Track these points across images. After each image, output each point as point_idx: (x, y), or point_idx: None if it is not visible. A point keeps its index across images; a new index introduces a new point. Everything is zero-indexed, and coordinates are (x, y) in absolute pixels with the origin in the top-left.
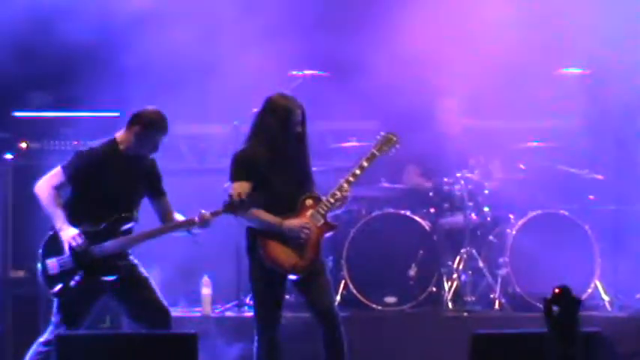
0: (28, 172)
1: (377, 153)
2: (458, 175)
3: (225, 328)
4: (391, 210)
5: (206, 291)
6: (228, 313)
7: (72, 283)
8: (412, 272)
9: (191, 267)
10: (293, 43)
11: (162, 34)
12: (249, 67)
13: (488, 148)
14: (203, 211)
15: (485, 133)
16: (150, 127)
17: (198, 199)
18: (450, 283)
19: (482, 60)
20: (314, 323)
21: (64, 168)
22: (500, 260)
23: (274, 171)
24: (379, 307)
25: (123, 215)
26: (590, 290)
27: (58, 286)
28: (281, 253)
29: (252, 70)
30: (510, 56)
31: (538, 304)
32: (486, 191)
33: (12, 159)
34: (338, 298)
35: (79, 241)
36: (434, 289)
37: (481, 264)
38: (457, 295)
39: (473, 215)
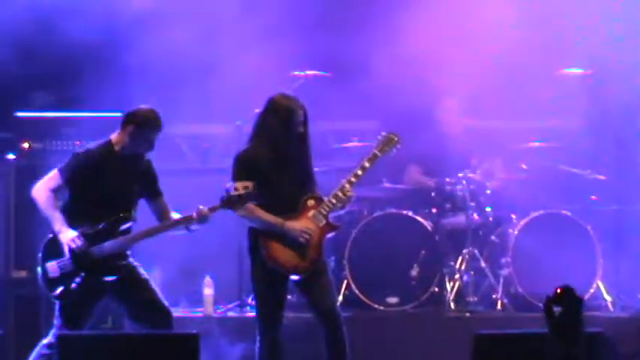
0: (30, 172)
1: (378, 153)
2: (460, 175)
3: (227, 328)
4: (393, 210)
5: (208, 291)
6: (230, 314)
7: (73, 285)
8: (414, 272)
9: (193, 267)
10: (295, 43)
11: (164, 35)
12: (251, 68)
13: (489, 148)
14: (201, 207)
15: (487, 133)
16: (144, 125)
17: (201, 200)
18: (452, 283)
19: (483, 60)
20: (316, 323)
21: (60, 170)
22: (503, 260)
23: (276, 171)
24: (381, 308)
25: (121, 215)
26: (592, 290)
27: (59, 289)
28: (283, 253)
29: (255, 70)
30: (511, 56)
31: (540, 304)
32: (488, 191)
33: (14, 159)
34: (340, 298)
35: (78, 243)
36: (436, 289)
37: (483, 264)
38: (459, 296)
39: (475, 215)
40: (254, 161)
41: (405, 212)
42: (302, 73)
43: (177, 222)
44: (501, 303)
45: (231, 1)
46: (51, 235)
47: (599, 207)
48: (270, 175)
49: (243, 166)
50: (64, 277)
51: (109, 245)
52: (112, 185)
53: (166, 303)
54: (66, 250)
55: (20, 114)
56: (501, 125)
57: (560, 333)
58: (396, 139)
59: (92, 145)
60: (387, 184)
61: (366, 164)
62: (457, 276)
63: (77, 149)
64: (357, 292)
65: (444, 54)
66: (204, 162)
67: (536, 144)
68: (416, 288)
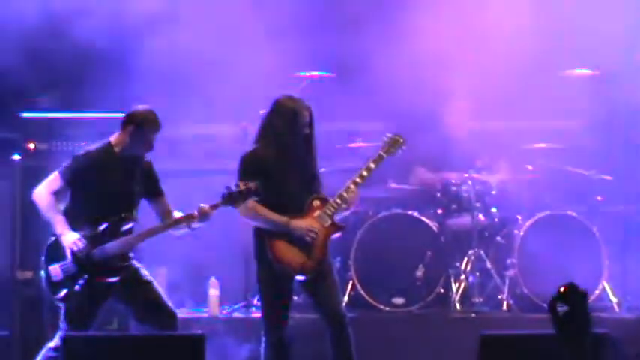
0: (35, 173)
1: (384, 155)
2: (465, 175)
3: (233, 329)
4: (399, 211)
5: (213, 292)
6: (236, 314)
7: (76, 287)
8: (420, 273)
9: (199, 268)
10: (300, 43)
11: (170, 36)
12: (256, 68)
13: (495, 149)
14: (202, 204)
15: (493, 134)
16: (143, 125)
17: (206, 200)
18: (457, 284)
19: (489, 61)
20: (322, 324)
21: (61, 173)
22: (508, 261)
23: (282, 172)
24: (387, 308)
25: (122, 216)
26: (597, 292)
27: (63, 292)
28: (289, 253)
29: (260, 71)
30: (518, 57)
31: (545, 304)
32: (494, 192)
33: (20, 160)
34: (345, 298)
35: (80, 245)
36: (441, 289)
37: (489, 265)
38: (465, 296)
39: (480, 216)
40: (260, 162)
41: (410, 213)
42: (307, 74)
43: (179, 221)
44: (507, 304)
45: (237, 3)
46: (53, 238)
47: (605, 208)
48: (275, 176)
49: (249, 167)
50: (68, 280)
51: (111, 246)
52: (112, 187)
53: (171, 304)
54: (68, 252)
55: (26, 115)
56: (507, 126)
57: (566, 332)
58: (402, 140)
59: (92, 147)
60: (393, 185)
61: (372, 165)
62: (463, 277)
63: (78, 151)
64: (362, 292)
65: (450, 55)
66: (209, 163)
67: (542, 145)
68: (421, 289)
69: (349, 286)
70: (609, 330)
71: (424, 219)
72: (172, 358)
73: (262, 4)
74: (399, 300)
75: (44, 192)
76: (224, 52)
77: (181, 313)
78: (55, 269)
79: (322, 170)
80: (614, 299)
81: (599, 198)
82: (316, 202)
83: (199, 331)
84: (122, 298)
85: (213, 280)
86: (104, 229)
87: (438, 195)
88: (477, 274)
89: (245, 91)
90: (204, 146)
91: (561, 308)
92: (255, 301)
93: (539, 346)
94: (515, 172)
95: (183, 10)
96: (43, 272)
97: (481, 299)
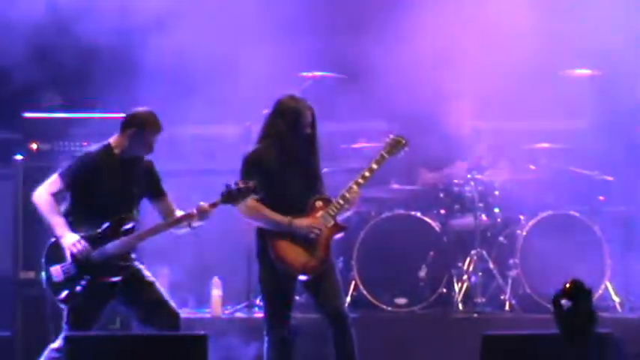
0: (38, 173)
1: (386, 155)
2: (468, 176)
3: (236, 329)
4: (401, 211)
5: (216, 292)
6: (239, 314)
7: (78, 288)
8: (422, 273)
9: (201, 268)
10: (303, 44)
11: (174, 36)
12: (260, 69)
13: (498, 149)
14: (201, 202)
15: (496, 134)
16: (143, 127)
17: (209, 200)
18: (460, 284)
19: (493, 61)
20: (324, 324)
21: (61, 175)
22: (511, 261)
23: (284, 172)
24: (389, 309)
25: (123, 216)
26: (600, 291)
27: (64, 293)
28: (291, 253)
29: (263, 71)
30: (521, 57)
31: (548, 305)
32: (496, 192)
33: (22, 160)
34: (348, 299)
35: (79, 247)
36: (444, 290)
37: (491, 265)
38: (467, 297)
39: (483, 216)
40: (262, 162)
41: (413, 213)
42: (311, 74)
43: (179, 219)
44: (509, 304)
45: (241, 3)
46: (53, 240)
47: (608, 208)
48: (278, 176)
49: (251, 167)
50: (69, 281)
51: (111, 246)
52: (112, 188)
53: (173, 304)
54: (68, 254)
55: (28, 115)
56: (510, 126)
57: (570, 328)
58: (404, 141)
59: (92, 148)
60: (396, 185)
61: (374, 166)
62: (465, 277)
63: (79, 152)
64: (365, 292)
65: (453, 55)
66: (212, 163)
67: (545, 145)
68: (424, 289)
69: (352, 287)
70: (612, 330)
71: (427, 219)
72: (175, 359)
73: (266, 5)
74: (401, 300)
75: (44, 194)
76: (228, 52)
77: (184, 313)
78: (56, 270)
79: (325, 170)
80: (616, 299)
81: (601, 198)
82: (319, 203)
83: (202, 332)
84: (124, 299)
85: (215, 280)
86: (104, 230)
87: (441, 195)
88: (480, 274)
89: (249, 91)
90: (207, 146)
91: (566, 304)
92: (257, 301)
93: (542, 346)
94: (518, 172)
95: (188, 10)
96: (44, 273)
97: (484, 299)
